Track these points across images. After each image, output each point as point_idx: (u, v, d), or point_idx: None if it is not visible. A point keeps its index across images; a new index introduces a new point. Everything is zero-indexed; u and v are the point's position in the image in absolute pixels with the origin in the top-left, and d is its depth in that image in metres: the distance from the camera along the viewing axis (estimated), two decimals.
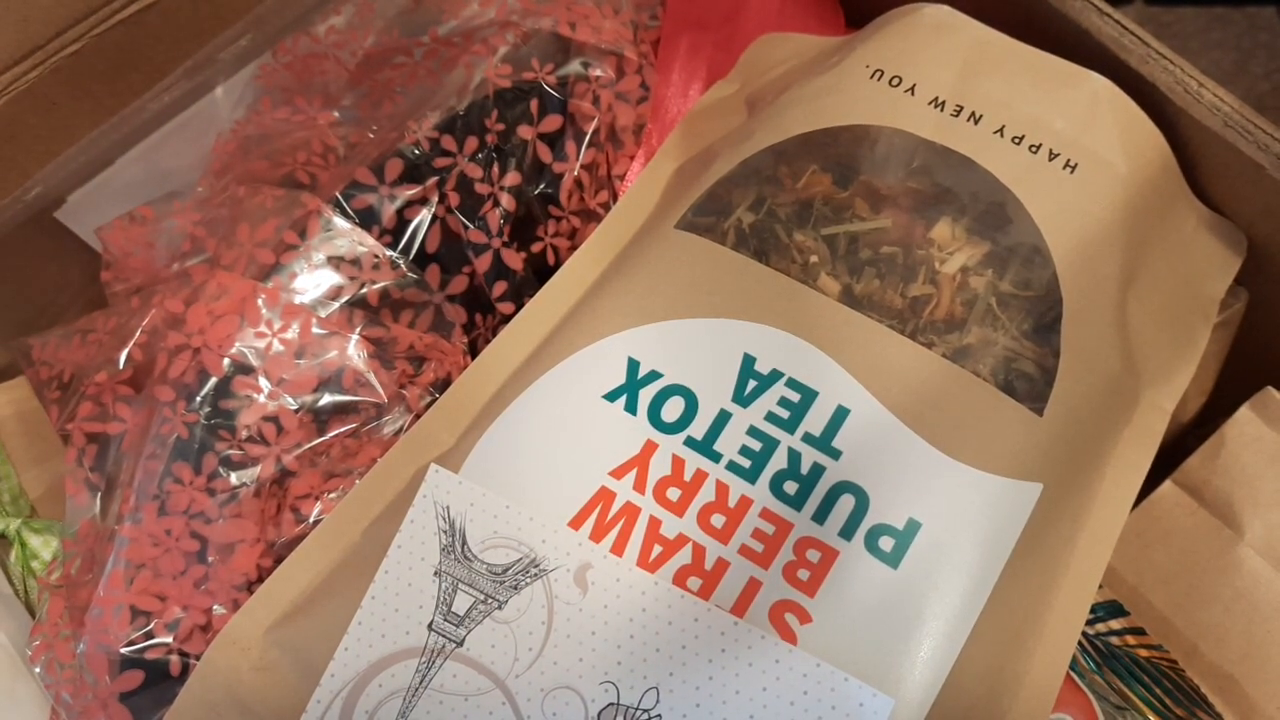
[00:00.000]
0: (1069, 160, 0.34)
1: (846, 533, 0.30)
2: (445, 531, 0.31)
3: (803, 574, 0.30)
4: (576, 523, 0.31)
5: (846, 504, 0.30)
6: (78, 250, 0.44)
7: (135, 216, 0.39)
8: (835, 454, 0.31)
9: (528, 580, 0.30)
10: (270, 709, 0.31)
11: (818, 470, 0.31)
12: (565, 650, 0.30)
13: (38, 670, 0.34)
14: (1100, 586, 0.37)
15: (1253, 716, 0.35)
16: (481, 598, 0.30)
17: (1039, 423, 0.31)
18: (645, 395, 0.32)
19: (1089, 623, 0.37)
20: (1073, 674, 0.35)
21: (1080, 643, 0.36)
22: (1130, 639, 0.37)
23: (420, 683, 0.30)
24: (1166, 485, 0.37)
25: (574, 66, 0.40)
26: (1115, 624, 0.37)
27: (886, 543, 0.30)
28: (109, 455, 0.35)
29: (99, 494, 0.35)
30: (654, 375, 0.33)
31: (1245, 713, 0.35)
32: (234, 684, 0.31)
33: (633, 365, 0.33)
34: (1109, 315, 0.33)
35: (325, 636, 0.31)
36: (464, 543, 0.31)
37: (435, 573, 0.31)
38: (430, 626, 0.30)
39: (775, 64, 0.41)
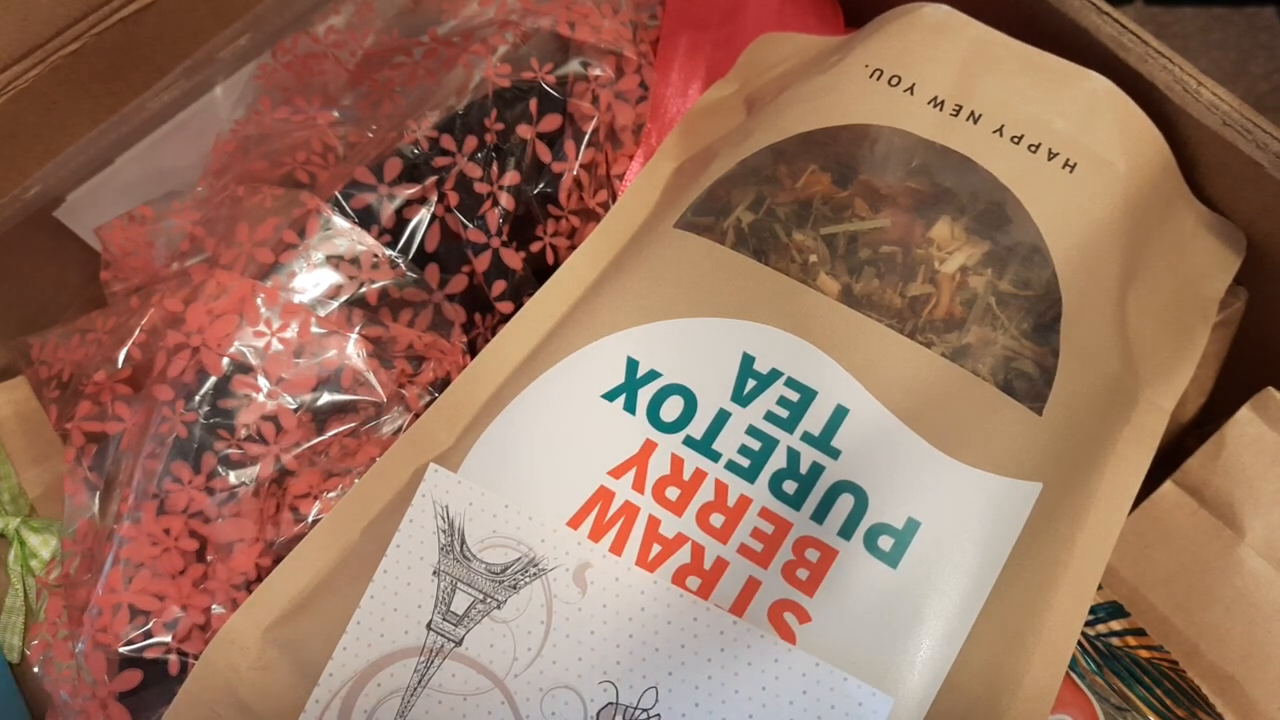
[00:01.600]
0: (1068, 159, 0.34)
1: (846, 532, 0.30)
2: (444, 531, 0.31)
3: (802, 573, 0.29)
4: (575, 522, 0.31)
5: (846, 503, 0.30)
6: (77, 250, 0.44)
7: (135, 216, 0.39)
8: (834, 453, 0.31)
9: (526, 580, 0.30)
10: (269, 708, 0.31)
11: (817, 469, 0.31)
12: (564, 650, 0.30)
13: (36, 670, 0.34)
14: (1101, 587, 0.37)
15: (1253, 717, 0.35)
16: (480, 597, 0.30)
17: (1038, 422, 0.31)
18: (644, 394, 0.32)
19: (1090, 624, 0.37)
20: (1073, 675, 0.35)
21: (1081, 644, 0.36)
22: (1131, 640, 0.37)
23: (419, 682, 0.30)
24: (1167, 485, 0.37)
25: (573, 66, 0.40)
26: (1116, 625, 0.37)
27: (886, 542, 0.30)
28: (108, 454, 0.35)
29: (98, 493, 0.35)
30: (653, 375, 0.33)
31: (1246, 713, 0.35)
32: (233, 683, 0.31)
33: (632, 364, 0.33)
34: (1108, 314, 0.33)
35: (324, 636, 0.31)
36: (463, 542, 0.31)
37: (434, 572, 0.31)
38: (429, 626, 0.30)
39: (774, 64, 0.41)
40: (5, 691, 0.39)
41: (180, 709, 0.31)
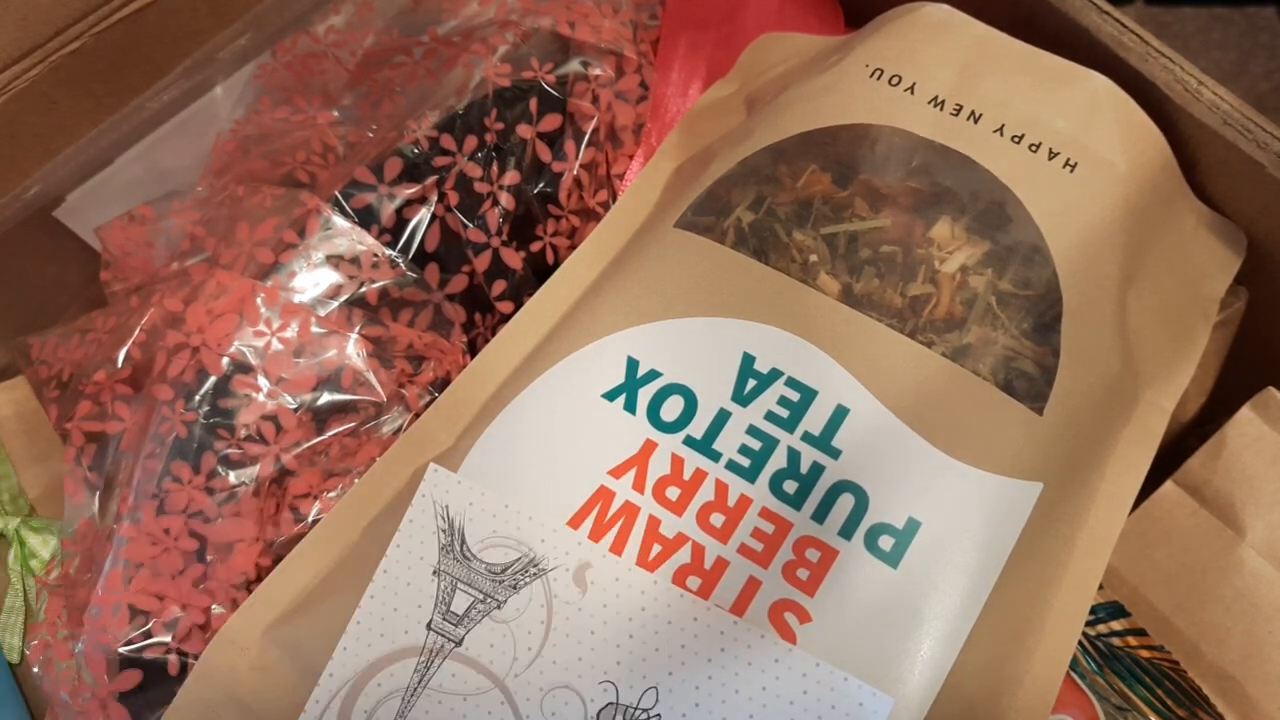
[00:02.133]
0: (1069, 159, 0.34)
1: (846, 532, 0.30)
2: (444, 531, 0.31)
3: (802, 573, 0.29)
4: (575, 522, 0.31)
5: (846, 503, 0.30)
6: (77, 249, 0.44)
7: (135, 216, 0.39)
8: (835, 453, 0.31)
9: (527, 580, 0.30)
10: (269, 708, 0.31)
11: (817, 469, 0.31)
12: (564, 650, 0.30)
13: (36, 670, 0.34)
14: (1101, 587, 0.37)
15: (1254, 717, 0.35)
16: (480, 597, 0.30)
17: (1039, 422, 0.31)
18: (644, 394, 0.32)
19: (1090, 624, 0.37)
20: (1074, 675, 0.35)
21: (1081, 644, 0.36)
22: (1132, 640, 0.37)
23: (419, 682, 0.30)
24: (1167, 485, 0.37)
25: (573, 65, 0.40)
26: (1116, 625, 0.37)
27: (886, 542, 0.30)
28: (108, 454, 0.35)
29: (98, 493, 0.35)
30: (653, 374, 0.33)
31: (1246, 713, 0.35)
32: (232, 683, 0.31)
33: (632, 364, 0.33)
34: (1109, 314, 0.33)
35: (324, 636, 0.31)
36: (463, 542, 0.31)
37: (434, 572, 0.31)
38: (429, 626, 0.30)
39: (774, 63, 0.41)
40: (5, 691, 0.39)
41: (180, 709, 0.31)
